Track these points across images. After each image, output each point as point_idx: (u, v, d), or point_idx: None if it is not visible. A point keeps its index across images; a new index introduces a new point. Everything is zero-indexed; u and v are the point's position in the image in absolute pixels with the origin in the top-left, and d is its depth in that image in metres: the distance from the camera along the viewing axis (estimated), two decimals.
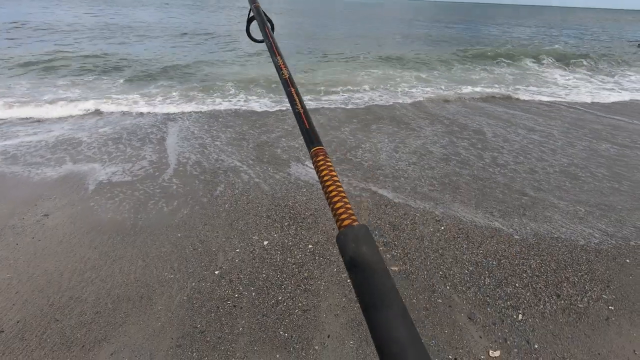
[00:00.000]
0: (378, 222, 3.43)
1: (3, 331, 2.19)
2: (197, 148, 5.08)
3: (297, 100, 0.66)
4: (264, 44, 0.87)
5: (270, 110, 6.80)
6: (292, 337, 2.20)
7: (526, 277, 2.73)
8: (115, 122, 6.03)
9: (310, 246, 3.07)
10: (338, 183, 0.53)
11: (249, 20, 1.01)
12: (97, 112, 6.51)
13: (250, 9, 0.99)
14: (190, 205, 3.65)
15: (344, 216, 0.48)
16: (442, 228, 3.34)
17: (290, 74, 0.72)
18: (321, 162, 0.56)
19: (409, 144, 5.30)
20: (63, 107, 6.67)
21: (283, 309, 2.41)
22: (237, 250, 3.02)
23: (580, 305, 2.48)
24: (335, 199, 0.50)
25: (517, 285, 2.66)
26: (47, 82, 8.27)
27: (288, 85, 0.70)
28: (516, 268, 2.83)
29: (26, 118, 6.15)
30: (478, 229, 3.34)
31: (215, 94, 7.73)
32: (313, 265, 2.85)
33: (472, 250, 3.04)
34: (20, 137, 5.34)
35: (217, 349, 2.11)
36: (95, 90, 7.83)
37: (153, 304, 2.43)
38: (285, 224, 3.40)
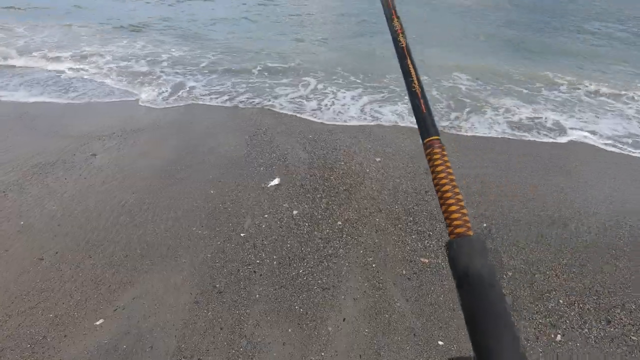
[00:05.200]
0: (415, 208, 3.22)
1: (43, 259, 2.35)
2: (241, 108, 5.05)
3: (414, 76, 0.55)
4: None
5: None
6: (307, 313, 2.15)
7: (573, 295, 2.44)
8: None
9: (339, 223, 2.96)
10: (454, 183, 0.47)
11: None
12: None
13: None
14: (225, 164, 3.65)
15: (458, 222, 0.44)
16: (485, 225, 3.07)
17: (407, 43, 0.60)
18: (437, 156, 0.49)
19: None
20: None
21: (302, 283, 2.36)
22: (266, 215, 2.98)
23: (634, 338, 2.18)
24: (451, 201, 0.46)
25: (561, 301, 2.39)
26: None
27: (405, 56, 0.58)
28: (563, 283, 2.54)
29: None
30: (522, 231, 3.02)
31: None
32: (339, 243, 2.74)
33: (513, 254, 2.77)
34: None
35: (232, 312, 2.11)
36: None
37: (178, 257, 2.48)
38: (318, 195, 3.29)
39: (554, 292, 2.45)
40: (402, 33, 0.61)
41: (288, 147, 4.09)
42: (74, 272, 2.27)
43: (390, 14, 0.63)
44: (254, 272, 2.40)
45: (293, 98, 5.46)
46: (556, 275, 2.60)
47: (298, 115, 4.90)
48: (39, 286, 2.15)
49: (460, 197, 0.46)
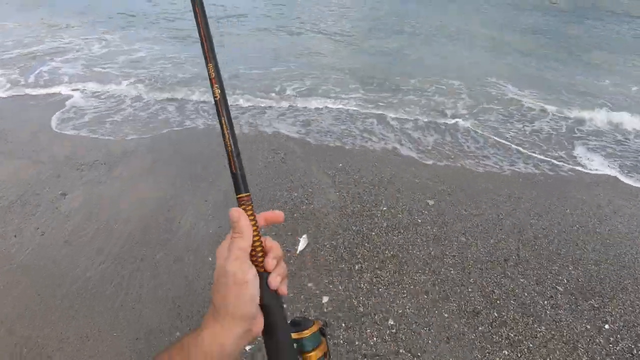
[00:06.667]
0: (496, 292, 2.23)
1: None
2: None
3: (227, 133, 0.52)
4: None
5: None
6: None
7: None
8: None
9: (391, 322, 2.01)
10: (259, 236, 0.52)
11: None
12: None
13: None
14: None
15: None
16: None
17: (223, 92, 0.52)
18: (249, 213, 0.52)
19: None
20: None
21: None
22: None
23: None
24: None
25: None
26: None
27: (219, 109, 0.52)
28: None
29: None
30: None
31: None
32: None
33: None
34: None
35: None
36: None
37: None
38: (356, 267, 2.35)
39: None
40: (218, 81, 0.52)
41: (314, 181, 3.15)
42: None
43: (205, 53, 0.52)
44: None
45: (311, 116, 4.51)
46: None
47: (315, 138, 3.95)
48: None
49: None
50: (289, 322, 0.53)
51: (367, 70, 5.88)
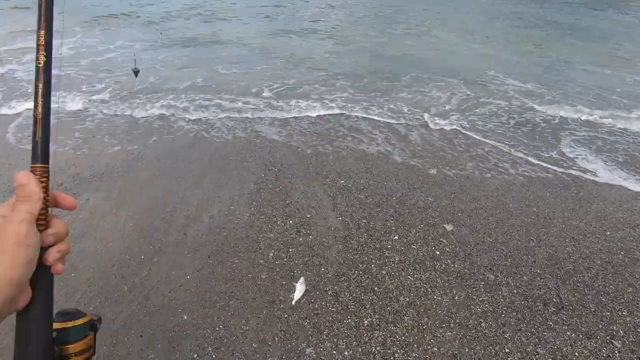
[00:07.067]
0: (536, 350, 1.80)
1: None
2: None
3: (40, 100, 0.47)
4: None
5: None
6: None
7: None
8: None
9: None
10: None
11: None
12: None
13: None
14: (213, 243, 2.28)
15: None
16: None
17: (50, 60, 0.47)
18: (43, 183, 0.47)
19: None
20: None
21: None
22: None
23: None
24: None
25: None
26: None
27: (38, 76, 0.47)
28: None
29: None
30: None
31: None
32: None
33: None
34: None
35: None
36: None
37: None
38: (366, 320, 1.91)
39: None
40: (46, 46, 0.47)
41: (313, 204, 2.70)
42: None
43: (40, 18, 0.47)
44: None
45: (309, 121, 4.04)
46: None
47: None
48: None
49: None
50: (58, 310, 0.50)
51: (362, 69, 5.40)
